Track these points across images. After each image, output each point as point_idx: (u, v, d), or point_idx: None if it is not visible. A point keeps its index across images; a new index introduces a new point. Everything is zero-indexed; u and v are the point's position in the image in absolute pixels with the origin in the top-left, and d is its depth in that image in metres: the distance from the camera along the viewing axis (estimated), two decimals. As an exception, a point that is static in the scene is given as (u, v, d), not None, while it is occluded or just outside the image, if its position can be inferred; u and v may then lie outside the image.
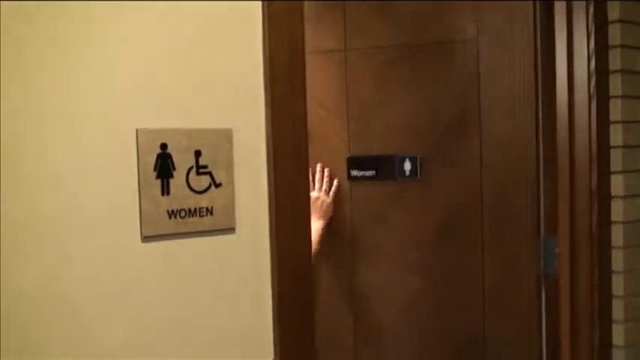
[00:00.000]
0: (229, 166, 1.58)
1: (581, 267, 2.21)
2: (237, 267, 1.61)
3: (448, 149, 2.29)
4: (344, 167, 2.20)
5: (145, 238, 1.49)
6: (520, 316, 2.28)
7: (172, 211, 1.52)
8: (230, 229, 1.59)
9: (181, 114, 1.53)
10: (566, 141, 2.22)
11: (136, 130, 1.48)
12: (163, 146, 1.50)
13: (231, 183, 1.59)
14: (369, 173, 2.26)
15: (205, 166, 1.55)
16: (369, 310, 2.17)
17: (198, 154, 1.54)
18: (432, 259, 2.30)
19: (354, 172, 2.26)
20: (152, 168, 1.49)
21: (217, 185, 1.57)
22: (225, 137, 1.58)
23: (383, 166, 2.26)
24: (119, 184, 1.47)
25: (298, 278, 1.65)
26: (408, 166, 2.26)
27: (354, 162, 2.23)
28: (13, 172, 1.35)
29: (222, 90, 1.58)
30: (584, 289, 2.21)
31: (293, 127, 1.64)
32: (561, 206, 2.23)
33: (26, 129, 1.37)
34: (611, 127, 2.23)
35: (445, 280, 2.32)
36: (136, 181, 1.48)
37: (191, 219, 1.54)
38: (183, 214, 1.53)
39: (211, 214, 1.56)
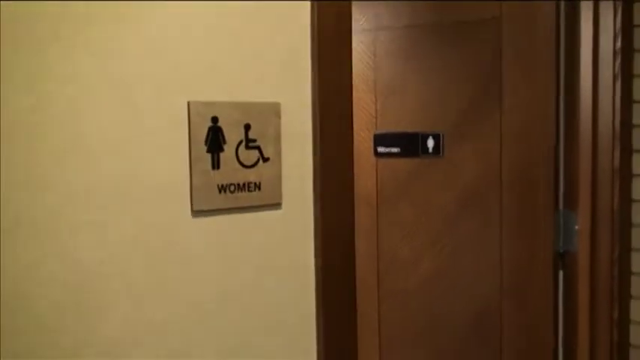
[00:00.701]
0: (277, 140, 1.57)
1: (602, 244, 2.24)
2: (283, 242, 1.60)
3: (470, 127, 2.30)
4: (371, 143, 2.20)
5: (196, 213, 1.48)
6: (537, 289, 2.31)
7: (222, 185, 1.50)
8: (277, 205, 1.59)
9: (231, 87, 1.51)
10: (589, 118, 2.23)
11: (188, 103, 1.46)
12: (214, 119, 1.48)
13: (279, 157, 1.57)
14: (394, 150, 2.27)
15: (254, 140, 1.54)
16: (391, 277, 2.21)
17: (247, 127, 1.53)
18: (452, 232, 2.33)
19: (381, 149, 2.26)
20: (203, 141, 1.48)
21: (265, 160, 1.55)
22: (273, 111, 1.56)
23: (407, 143, 2.27)
24: (171, 157, 1.45)
25: (342, 253, 1.65)
26: (431, 143, 2.26)
27: (380, 139, 2.24)
28: (73, 141, 1.33)
29: (270, 64, 1.56)
30: (604, 266, 2.24)
31: (338, 101, 1.63)
32: (583, 183, 2.24)
33: (84, 98, 1.34)
34: (634, 105, 2.24)
35: (464, 252, 2.34)
36: (187, 155, 1.46)
37: (240, 194, 1.53)
38: (232, 188, 1.52)
39: (259, 189, 1.55)
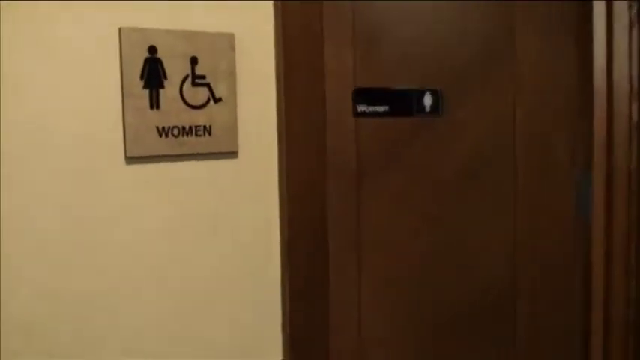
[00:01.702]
0: (231, 77, 1.33)
1: (617, 207, 1.98)
2: (240, 198, 1.36)
3: (475, 81, 1.98)
4: (349, 101, 1.84)
5: (130, 160, 1.24)
6: (555, 264, 2.03)
7: (163, 128, 1.26)
8: (231, 153, 1.35)
9: (173, 13, 1.27)
10: (603, 69, 1.97)
11: (119, 30, 1.22)
12: (152, 50, 1.25)
13: (234, 98, 1.33)
14: (380, 109, 1.91)
15: (203, 77, 1.30)
16: (377, 265, 1.88)
17: (194, 61, 1.29)
18: (454, 207, 1.99)
19: (362, 108, 1.89)
20: (138, 75, 1.24)
21: (217, 100, 1.31)
22: (227, 43, 1.32)
23: (398, 101, 1.92)
24: (99, 92, 1.21)
25: (311, 211, 1.41)
26: (428, 100, 1.94)
27: (362, 95, 1.87)
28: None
29: (222, -14, 1.32)
30: (620, 232, 1.99)
31: (308, 32, 1.38)
32: (597, 141, 1.99)
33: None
34: (654, 54, 1.98)
35: (470, 230, 2.02)
36: (119, 91, 1.22)
37: (186, 139, 1.29)
38: (176, 132, 1.28)
39: (209, 134, 1.31)
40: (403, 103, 1.91)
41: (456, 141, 1.96)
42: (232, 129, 1.33)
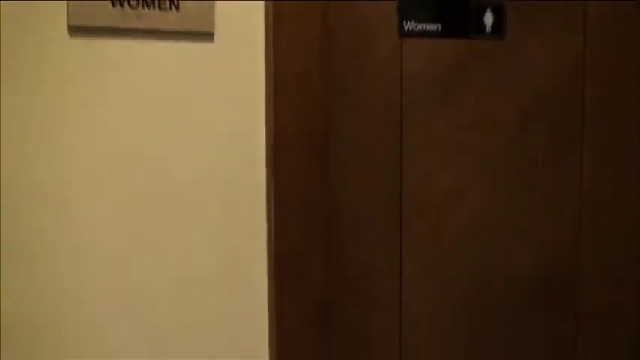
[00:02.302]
0: (207, -61, 1.10)
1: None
2: (215, 90, 1.14)
3: (545, 5, 1.66)
4: (393, 17, 1.54)
5: (75, 31, 1.03)
6: (628, 234, 1.73)
7: (117, -5, 1.05)
8: (206, 35, 1.13)
9: None
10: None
11: None
12: None
13: (210, -35, 1.10)
14: (431, 27, 1.61)
15: None
16: (421, 222, 1.58)
17: None
18: (512, 157, 1.68)
19: (409, 25, 1.58)
20: None
21: (187, -34, 1.09)
22: None
23: (452, 18, 1.62)
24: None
25: (304, 113, 1.17)
26: (489, 18, 1.62)
27: (409, 8, 1.57)
28: None
29: None
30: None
31: None
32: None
33: None
34: None
35: (527, 185, 1.69)
36: (62, -55, 1.02)
37: (146, 12, 1.08)
38: (133, 2, 1.06)
39: (177, 8, 1.09)
40: (459, 20, 1.61)
41: (518, 74, 1.66)
42: (207, 4, 1.11)
